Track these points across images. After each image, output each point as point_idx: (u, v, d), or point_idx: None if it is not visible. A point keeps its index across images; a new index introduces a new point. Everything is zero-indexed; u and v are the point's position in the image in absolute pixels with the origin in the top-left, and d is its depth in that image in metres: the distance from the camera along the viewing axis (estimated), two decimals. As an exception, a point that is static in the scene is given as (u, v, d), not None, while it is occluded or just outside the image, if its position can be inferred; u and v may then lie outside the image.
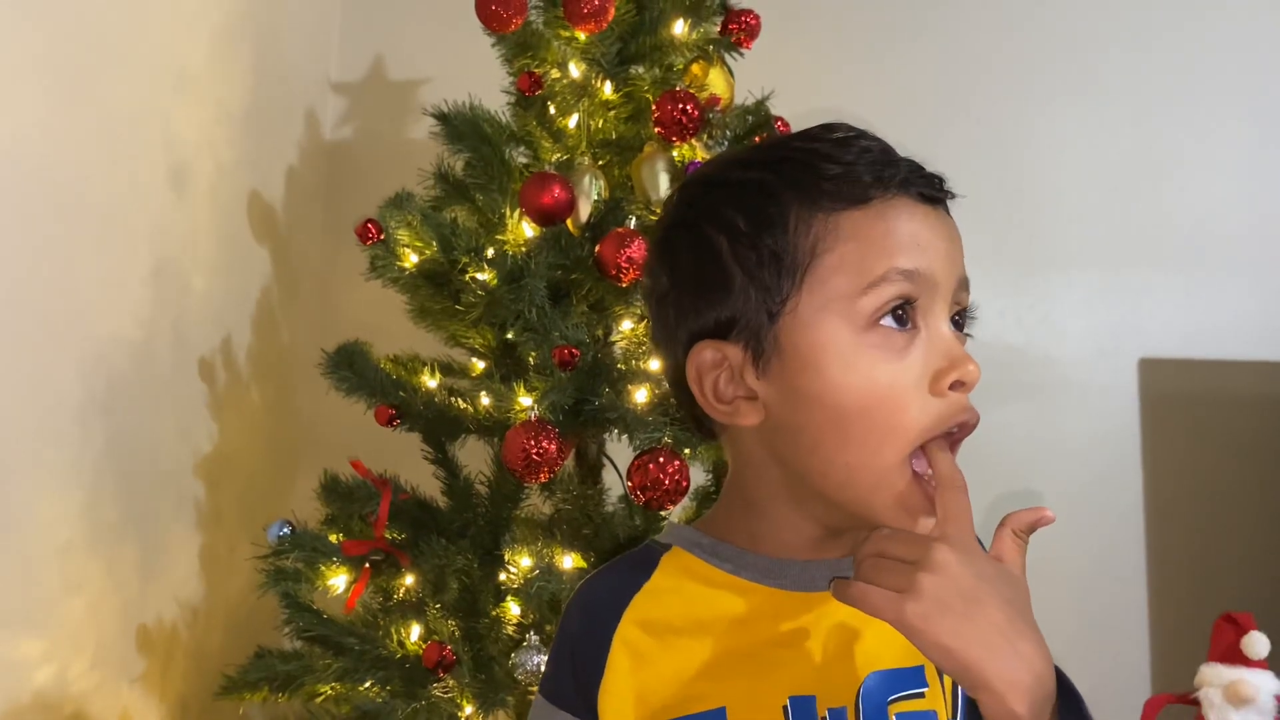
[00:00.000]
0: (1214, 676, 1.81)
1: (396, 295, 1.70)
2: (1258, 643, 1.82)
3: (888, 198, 0.72)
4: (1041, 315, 2.29)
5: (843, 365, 0.70)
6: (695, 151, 1.58)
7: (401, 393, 1.57)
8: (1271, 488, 2.12)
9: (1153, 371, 2.29)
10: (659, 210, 1.52)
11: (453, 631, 1.42)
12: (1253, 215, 2.26)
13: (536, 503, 1.55)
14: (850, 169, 0.72)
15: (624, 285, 1.43)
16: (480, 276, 1.45)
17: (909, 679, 0.74)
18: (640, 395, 1.46)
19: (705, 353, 0.75)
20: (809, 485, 0.74)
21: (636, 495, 1.31)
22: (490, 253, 1.50)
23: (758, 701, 0.73)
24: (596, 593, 0.81)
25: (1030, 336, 2.27)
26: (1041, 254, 2.30)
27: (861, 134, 0.75)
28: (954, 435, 0.71)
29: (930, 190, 0.73)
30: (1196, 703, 1.82)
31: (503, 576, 1.42)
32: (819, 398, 0.71)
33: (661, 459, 1.30)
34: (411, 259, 1.57)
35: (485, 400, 1.55)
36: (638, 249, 1.40)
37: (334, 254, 2.42)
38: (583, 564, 1.39)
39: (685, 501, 1.54)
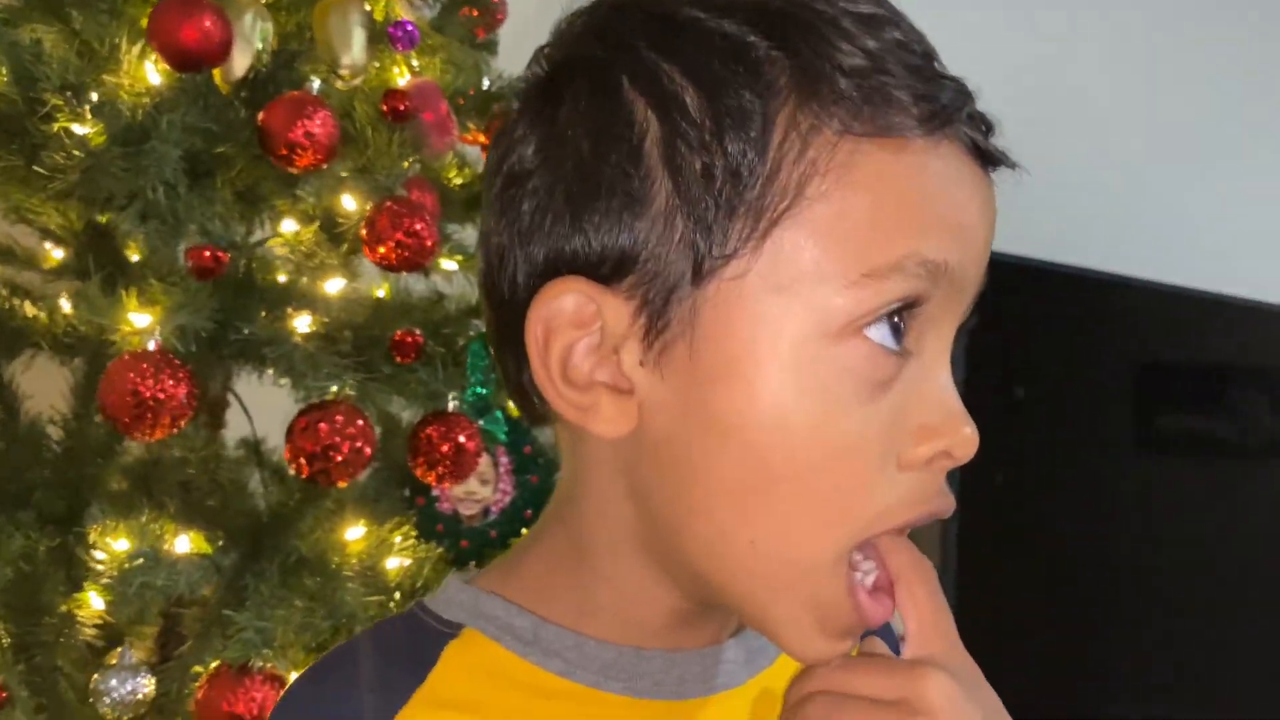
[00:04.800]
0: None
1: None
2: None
3: (934, 136, 0.43)
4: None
5: (792, 389, 0.43)
6: (396, 8, 1.21)
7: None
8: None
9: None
10: (348, 76, 1.14)
11: (-3, 638, 0.99)
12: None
13: (137, 455, 1.13)
14: (880, 66, 0.42)
15: (295, 170, 1.05)
16: (79, 130, 1.00)
17: None
18: (301, 324, 1.09)
19: (567, 297, 0.44)
20: (676, 554, 0.47)
21: (299, 465, 0.96)
22: (95, 98, 1.04)
23: None
24: (323, 714, 0.48)
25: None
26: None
27: (895, 17, 0.45)
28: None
29: (984, 139, 0.45)
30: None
31: (84, 559, 1.00)
32: (737, 430, 0.43)
33: (339, 418, 0.95)
34: (-36, 90, 1.07)
35: (67, 307, 1.10)
36: (322, 123, 1.03)
37: None
38: (205, 548, 1.01)
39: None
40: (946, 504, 0.46)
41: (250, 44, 1.13)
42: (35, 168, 0.99)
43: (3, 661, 0.95)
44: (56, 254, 1.27)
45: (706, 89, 0.42)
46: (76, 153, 0.98)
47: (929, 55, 0.45)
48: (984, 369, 1.58)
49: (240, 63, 1.12)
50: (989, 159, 0.46)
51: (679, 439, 0.44)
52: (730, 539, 0.44)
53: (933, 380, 0.45)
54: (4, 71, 1.06)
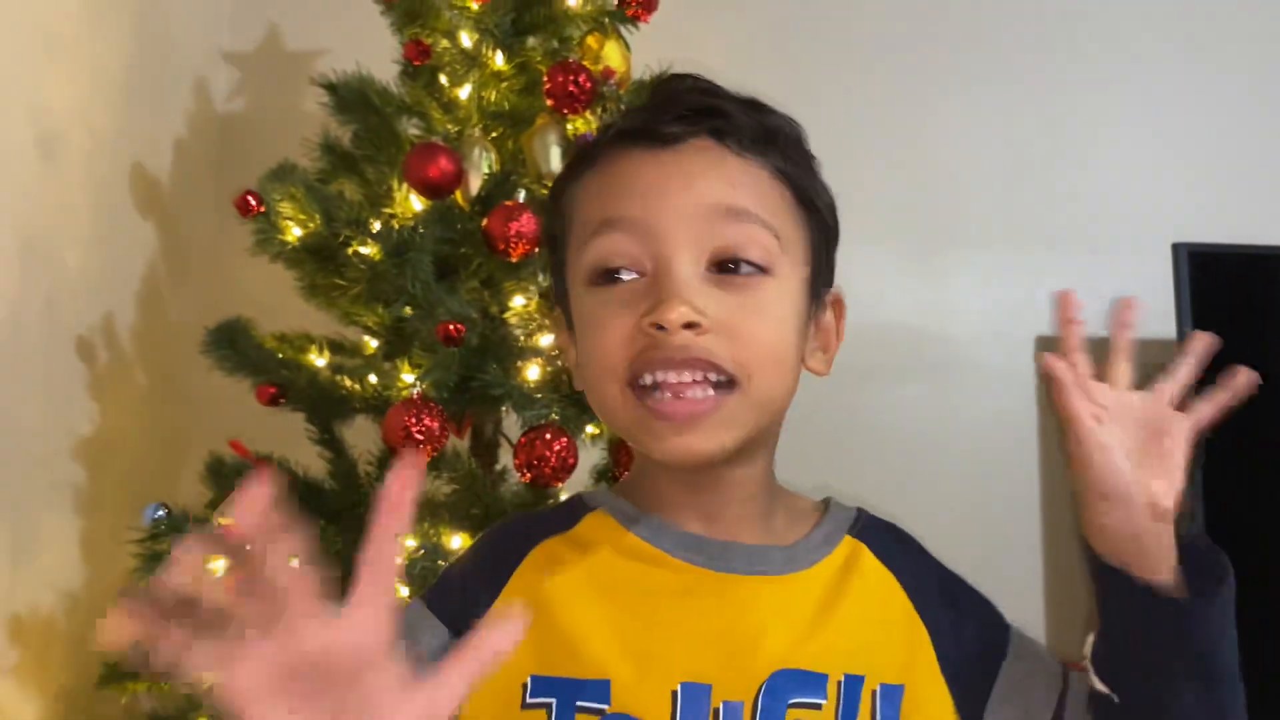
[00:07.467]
0: (1102, 647, 1.86)
1: (289, 272, 1.65)
2: (1144, 614, 1.86)
3: (613, 153, 0.75)
4: (938, 293, 2.30)
5: (588, 323, 0.75)
6: (589, 124, 1.55)
7: (285, 371, 1.51)
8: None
9: (1048, 351, 2.32)
10: (550, 183, 1.49)
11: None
12: (1147, 196, 2.30)
13: (426, 483, 1.51)
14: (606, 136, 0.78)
15: (513, 260, 1.40)
16: (364, 250, 1.40)
17: (811, 685, 0.71)
18: (532, 372, 1.43)
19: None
20: None
21: (522, 472, 1.29)
22: (376, 226, 1.45)
23: (647, 680, 0.71)
24: (511, 527, 0.82)
25: (927, 315, 2.29)
26: (940, 231, 2.31)
27: (685, 82, 0.79)
28: (664, 385, 0.71)
29: (661, 128, 0.73)
30: (1086, 670, 1.86)
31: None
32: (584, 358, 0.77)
33: (548, 435, 1.28)
34: (294, 233, 1.51)
35: (373, 379, 1.51)
36: (526, 222, 1.37)
37: (226, 229, 2.34)
38: (470, 543, 1.36)
39: (586, 479, 1.52)
40: (662, 353, 0.71)
41: (479, 170, 1.51)
42: (337, 280, 1.40)
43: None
44: (372, 343, 1.70)
45: (558, 198, 0.79)
46: (362, 267, 1.38)
47: (672, 98, 0.77)
48: None
49: (473, 185, 1.51)
50: (668, 139, 0.74)
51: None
52: (599, 410, 0.76)
53: (660, 286, 0.71)
54: (318, 216, 1.50)
